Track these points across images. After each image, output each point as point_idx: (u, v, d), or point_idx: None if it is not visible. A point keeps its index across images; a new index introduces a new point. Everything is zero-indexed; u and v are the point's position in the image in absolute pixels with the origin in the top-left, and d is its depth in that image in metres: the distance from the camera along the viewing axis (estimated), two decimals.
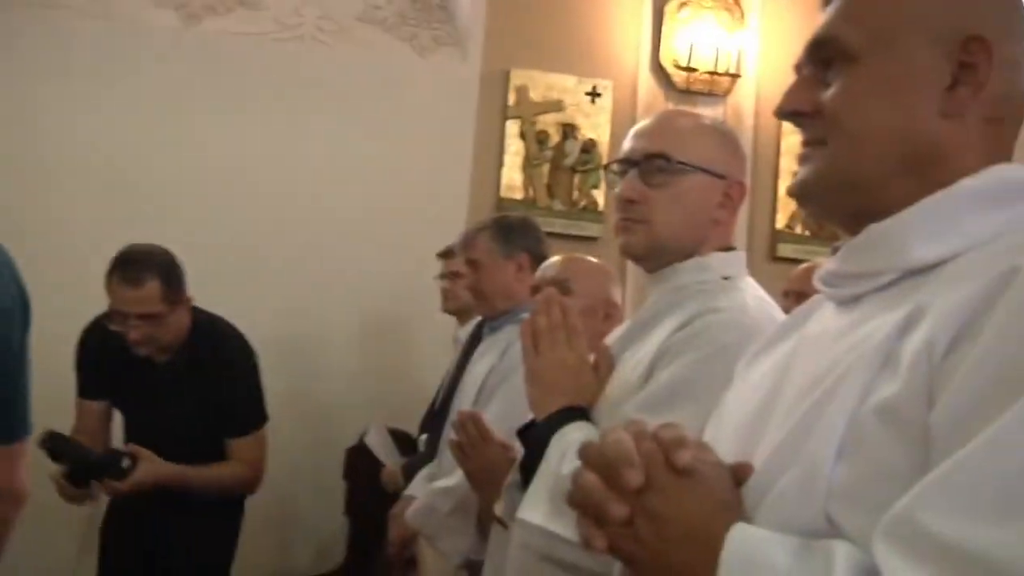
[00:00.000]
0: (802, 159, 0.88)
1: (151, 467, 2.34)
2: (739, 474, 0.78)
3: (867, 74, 0.82)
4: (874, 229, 0.82)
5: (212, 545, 2.59)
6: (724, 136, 1.48)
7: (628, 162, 1.44)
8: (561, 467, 1.28)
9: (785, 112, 0.88)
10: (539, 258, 2.46)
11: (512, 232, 2.51)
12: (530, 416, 1.45)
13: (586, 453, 0.76)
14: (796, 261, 3.67)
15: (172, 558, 2.53)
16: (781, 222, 4.16)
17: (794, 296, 2.78)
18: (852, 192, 0.83)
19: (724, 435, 0.91)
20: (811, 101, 0.86)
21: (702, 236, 1.44)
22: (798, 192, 0.87)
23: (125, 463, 2.32)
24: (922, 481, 0.64)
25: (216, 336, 2.46)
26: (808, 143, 0.87)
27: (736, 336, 1.27)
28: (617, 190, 1.45)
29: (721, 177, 1.43)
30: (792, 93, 0.88)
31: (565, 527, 1.23)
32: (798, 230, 4.16)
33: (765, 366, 0.93)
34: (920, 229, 0.79)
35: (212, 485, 2.45)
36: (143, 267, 2.31)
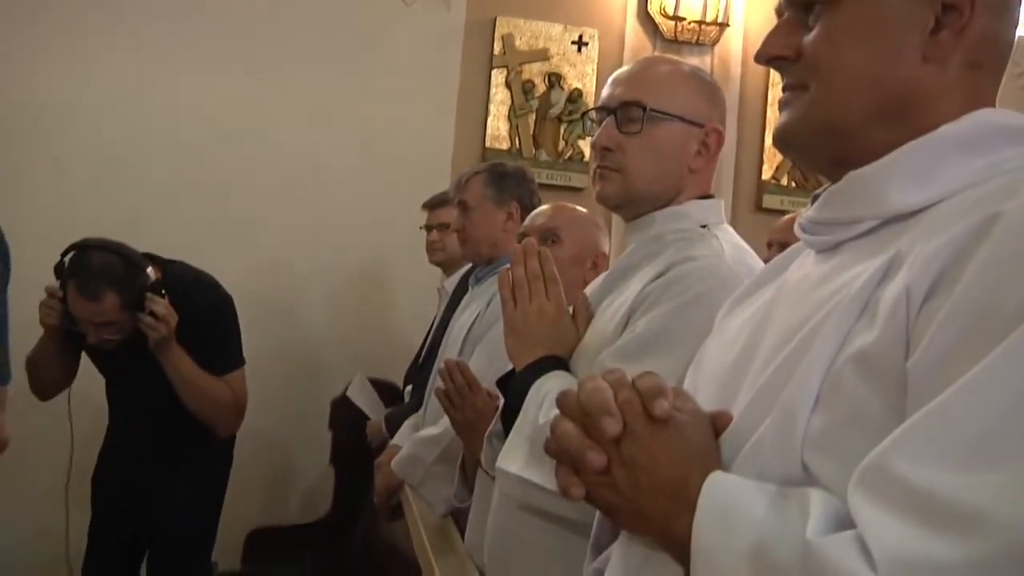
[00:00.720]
0: (783, 104, 0.86)
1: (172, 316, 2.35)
2: (717, 423, 0.78)
3: (848, 17, 0.81)
4: (854, 176, 0.81)
5: (202, 493, 2.61)
6: (702, 83, 1.47)
7: (605, 110, 1.44)
8: (539, 416, 1.29)
9: (766, 57, 0.87)
10: (529, 209, 2.46)
11: (506, 179, 2.50)
12: (511, 366, 1.45)
13: (564, 402, 0.76)
14: (781, 212, 3.68)
15: (162, 507, 2.55)
16: (767, 173, 4.15)
17: (777, 246, 2.77)
18: (832, 138, 0.82)
19: (703, 384, 0.91)
20: (792, 46, 0.84)
21: (678, 185, 1.44)
22: (779, 137, 0.86)
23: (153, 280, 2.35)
24: (897, 430, 0.64)
25: (186, 292, 2.44)
26: (789, 88, 0.86)
27: (712, 284, 1.28)
28: (593, 138, 1.45)
29: (698, 125, 1.42)
30: (773, 37, 0.86)
31: (543, 476, 1.25)
32: (784, 181, 4.16)
33: (745, 314, 0.93)
34: (900, 175, 0.78)
35: (202, 386, 2.46)
36: (100, 281, 2.27)
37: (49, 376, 2.50)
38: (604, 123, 1.44)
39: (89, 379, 2.62)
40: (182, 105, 3.63)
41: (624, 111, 1.41)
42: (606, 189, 1.44)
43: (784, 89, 0.87)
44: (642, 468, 0.72)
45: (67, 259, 2.34)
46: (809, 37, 0.83)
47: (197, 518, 2.60)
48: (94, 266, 2.29)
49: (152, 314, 2.33)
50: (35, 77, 3.49)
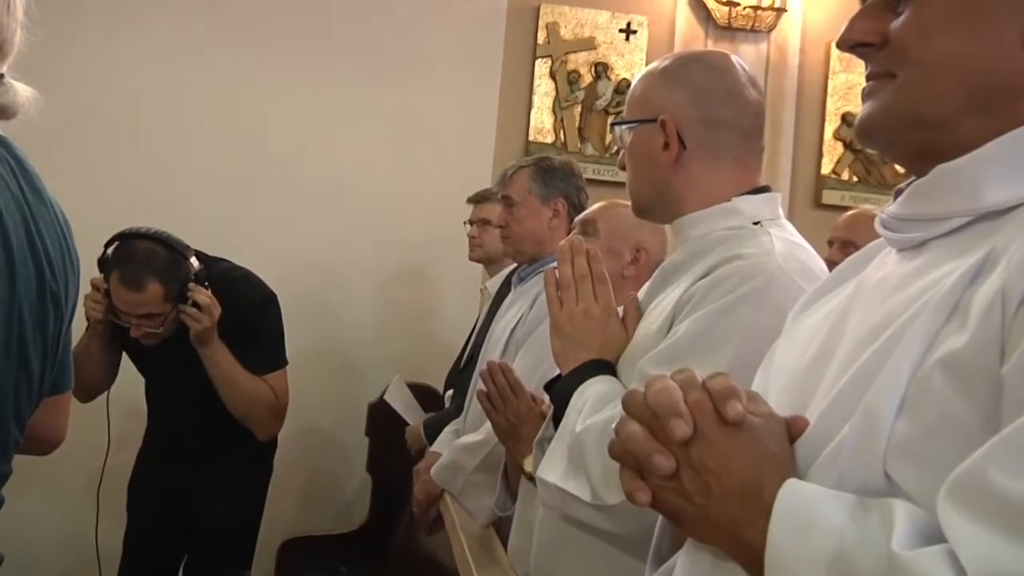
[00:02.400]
0: (867, 94, 0.84)
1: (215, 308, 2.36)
2: (793, 428, 0.76)
3: (941, 1, 0.78)
4: (944, 169, 0.78)
5: (241, 500, 2.63)
6: (665, 72, 1.44)
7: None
8: (576, 424, 1.28)
9: (849, 43, 0.85)
10: (577, 207, 2.45)
11: (552, 175, 2.50)
12: (557, 370, 1.44)
13: (630, 402, 0.76)
14: (842, 208, 3.60)
15: (202, 515, 2.57)
16: (827, 167, 4.09)
17: (839, 244, 2.73)
18: (920, 129, 0.80)
19: (775, 387, 0.89)
20: (878, 31, 0.82)
21: (664, 187, 1.43)
22: (861, 129, 0.84)
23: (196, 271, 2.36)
24: (992, 439, 0.61)
25: (232, 287, 2.47)
26: (874, 77, 0.84)
27: (760, 282, 1.25)
28: None
29: (651, 120, 1.41)
30: (857, 22, 0.84)
31: (580, 487, 1.24)
32: (845, 175, 4.08)
33: (820, 314, 0.91)
34: (995, 169, 0.75)
35: (243, 383, 2.47)
36: (144, 268, 2.30)
37: (92, 376, 2.51)
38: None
39: (126, 380, 2.64)
40: (217, 99, 3.67)
41: (619, 130, 1.49)
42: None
43: (868, 78, 0.84)
44: (713, 473, 0.71)
45: (110, 250, 2.36)
46: (897, 22, 0.80)
47: (237, 526, 2.63)
48: (137, 255, 2.32)
49: (195, 304, 2.34)
50: (68, 70, 3.54)
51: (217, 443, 2.56)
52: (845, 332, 0.82)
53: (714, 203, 1.41)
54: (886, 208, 0.85)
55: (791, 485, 0.69)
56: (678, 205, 1.43)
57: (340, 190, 3.75)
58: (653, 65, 1.48)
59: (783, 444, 0.74)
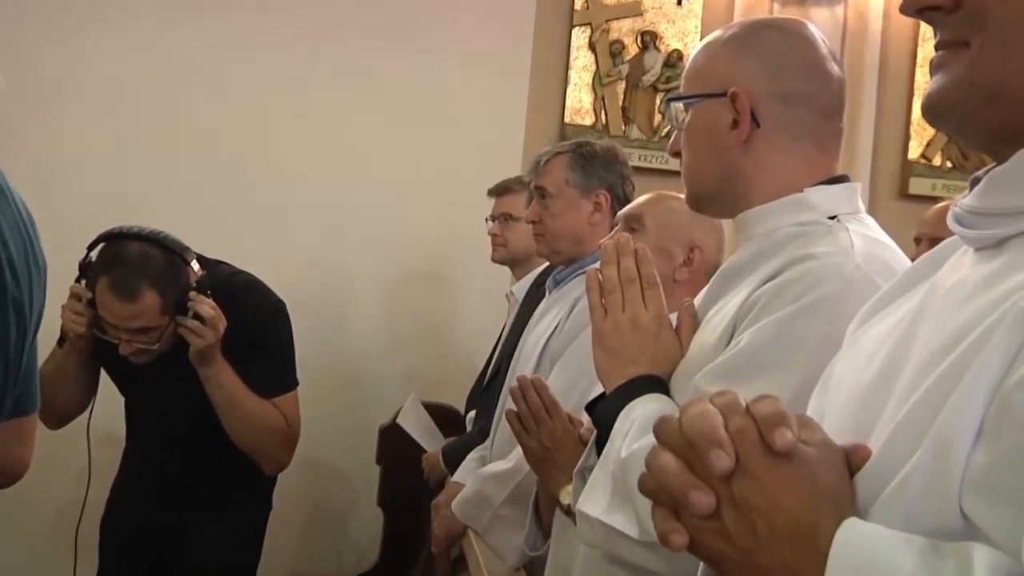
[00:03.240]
0: (935, 66, 0.84)
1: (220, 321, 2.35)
2: (853, 458, 0.76)
3: None
4: None
5: (237, 547, 2.59)
6: (733, 39, 1.44)
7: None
8: (621, 449, 1.29)
9: (916, 6, 0.83)
10: (621, 199, 2.45)
11: (593, 162, 2.51)
12: (600, 387, 1.45)
13: (663, 429, 0.76)
14: (933, 200, 3.59)
15: (190, 561, 2.52)
16: (915, 151, 4.07)
17: (928, 242, 2.72)
18: (999, 107, 0.79)
19: (833, 410, 0.89)
20: None
21: (727, 172, 1.43)
22: (929, 107, 0.84)
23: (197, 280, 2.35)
24: None
25: (236, 297, 2.43)
26: (944, 45, 0.83)
27: (835, 287, 1.25)
28: None
29: (719, 94, 1.41)
30: None
31: (626, 521, 1.24)
32: (936, 160, 4.06)
33: (884, 325, 0.91)
34: None
35: (252, 409, 2.44)
36: (138, 274, 2.25)
37: (64, 398, 2.47)
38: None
39: (111, 400, 2.61)
40: (208, 77, 3.70)
41: (671, 106, 1.50)
42: (686, 194, 1.53)
43: (937, 47, 0.84)
44: (759, 511, 0.71)
45: (95, 253, 2.31)
46: None
47: (231, 574, 2.59)
48: (130, 258, 2.25)
49: (197, 316, 2.30)
50: (34, 46, 3.57)
51: (211, 477, 2.52)
52: (914, 346, 0.82)
53: (784, 194, 1.41)
54: (960, 199, 0.85)
55: (851, 526, 0.69)
56: (745, 195, 1.44)
57: (346, 181, 3.78)
58: (717, 33, 1.48)
59: (841, 477, 0.74)
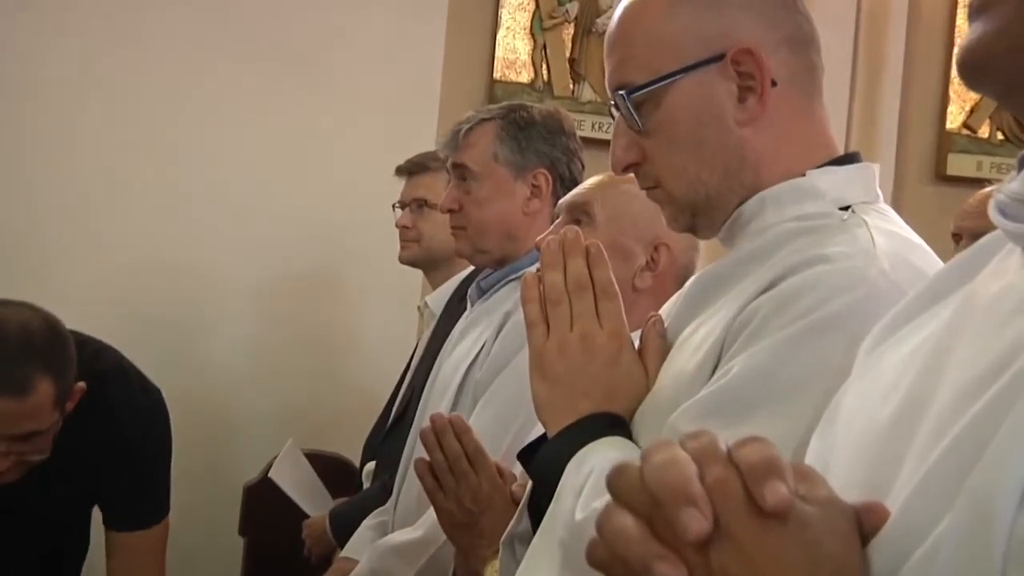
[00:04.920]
0: (976, 9, 0.86)
1: None
2: (866, 519, 0.77)
3: None
4: None
5: None
6: None
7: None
8: (575, 509, 1.30)
9: None
10: (567, 181, 2.46)
11: (531, 132, 2.51)
12: (539, 428, 1.47)
13: (619, 482, 0.76)
14: (977, 183, 3.63)
15: None
16: (955, 119, 4.11)
17: (969, 239, 2.76)
18: None
19: (840, 458, 0.91)
20: None
21: (736, 162, 1.44)
22: (968, 62, 0.85)
23: None
24: None
25: (104, 397, 2.40)
26: None
27: (854, 298, 1.27)
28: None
29: (714, 59, 1.42)
30: None
31: None
32: (983, 131, 4.10)
33: (905, 348, 0.92)
34: None
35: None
36: (25, 357, 2.17)
37: None
38: (617, 122, 1.50)
39: None
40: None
41: (621, 103, 1.46)
42: (665, 215, 1.52)
43: None
44: None
45: None
46: None
47: None
48: (8, 334, 2.17)
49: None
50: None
51: None
52: (943, 375, 0.83)
53: (786, 178, 1.44)
54: (1004, 185, 0.86)
55: None
56: (753, 185, 1.45)
57: (201, 156, 3.76)
58: None
59: (850, 545, 0.75)
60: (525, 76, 3.97)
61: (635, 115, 1.45)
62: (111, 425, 2.38)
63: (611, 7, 3.97)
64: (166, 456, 2.56)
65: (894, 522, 0.76)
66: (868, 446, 0.87)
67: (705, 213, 1.48)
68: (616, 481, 0.76)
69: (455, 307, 2.84)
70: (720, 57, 1.42)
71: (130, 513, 2.46)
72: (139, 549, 2.52)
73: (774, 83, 1.42)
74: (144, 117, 3.74)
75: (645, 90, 1.44)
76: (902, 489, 0.78)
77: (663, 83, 1.43)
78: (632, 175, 1.52)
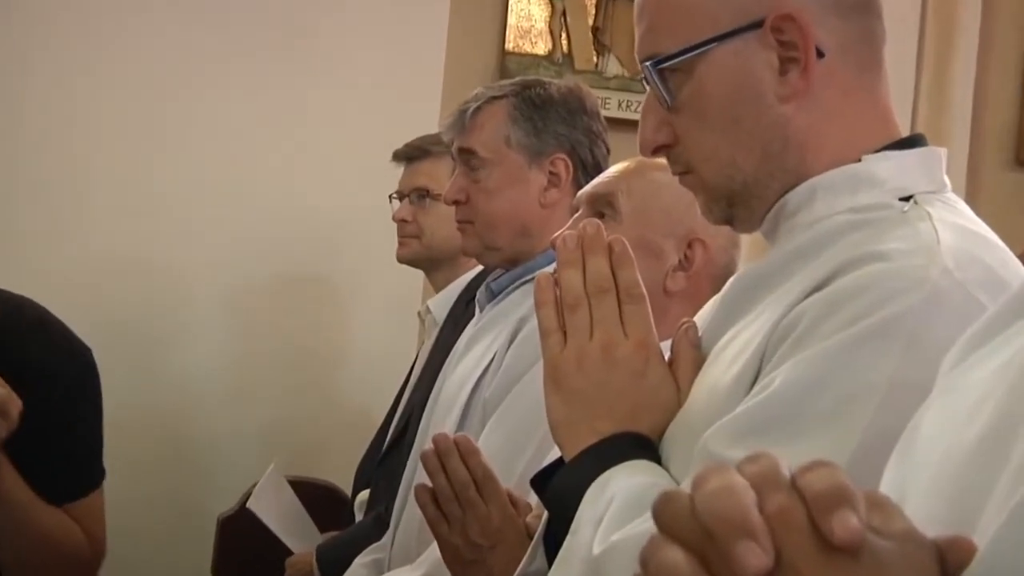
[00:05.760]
0: None
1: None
2: (950, 555, 0.76)
3: None
4: None
5: None
6: None
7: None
8: (593, 542, 1.30)
9: None
10: (589, 168, 2.46)
11: (548, 112, 2.51)
12: (555, 451, 1.48)
13: (667, 511, 0.76)
14: None
15: None
16: None
17: None
18: None
19: (919, 486, 0.91)
20: None
21: (772, 142, 1.44)
22: None
23: None
24: None
25: (24, 354, 2.42)
26: None
27: (918, 301, 1.27)
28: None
29: (753, 26, 1.42)
30: None
31: None
32: None
33: (992, 364, 0.92)
34: None
35: (46, 532, 2.43)
36: None
37: None
38: (646, 98, 1.50)
39: None
40: None
41: (650, 76, 1.46)
42: (700, 204, 1.52)
43: None
44: None
45: None
46: None
47: None
48: None
49: None
50: None
51: None
52: None
53: (838, 163, 1.44)
54: None
55: None
56: (797, 172, 1.45)
57: (175, 140, 3.77)
58: None
59: None
60: (542, 47, 3.97)
61: (664, 89, 1.45)
62: (30, 381, 2.35)
63: None
64: (91, 419, 2.55)
65: (982, 559, 0.76)
66: (951, 473, 0.88)
67: (743, 203, 1.48)
68: (664, 510, 0.76)
69: (461, 313, 2.85)
70: (759, 24, 1.42)
71: (59, 484, 2.44)
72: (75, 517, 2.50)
73: (820, 53, 1.41)
74: (108, 90, 3.76)
75: (675, 60, 1.44)
76: (991, 522, 0.78)
77: (695, 53, 1.43)
78: (663, 160, 1.52)
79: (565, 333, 1.46)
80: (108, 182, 3.75)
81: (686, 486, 0.76)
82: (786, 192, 1.45)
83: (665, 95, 1.46)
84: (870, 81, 1.47)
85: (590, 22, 4.00)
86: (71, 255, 3.56)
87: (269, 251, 3.86)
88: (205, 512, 3.62)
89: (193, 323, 3.83)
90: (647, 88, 1.50)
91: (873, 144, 1.45)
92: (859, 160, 1.44)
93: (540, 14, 3.98)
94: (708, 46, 1.44)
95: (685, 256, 2.02)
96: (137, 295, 3.77)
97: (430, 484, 1.80)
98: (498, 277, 2.56)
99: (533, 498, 1.69)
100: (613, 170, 2.13)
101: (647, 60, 1.46)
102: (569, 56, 3.98)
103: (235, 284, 3.86)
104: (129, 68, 3.77)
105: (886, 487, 0.95)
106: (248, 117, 3.81)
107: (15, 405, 2.28)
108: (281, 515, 3.30)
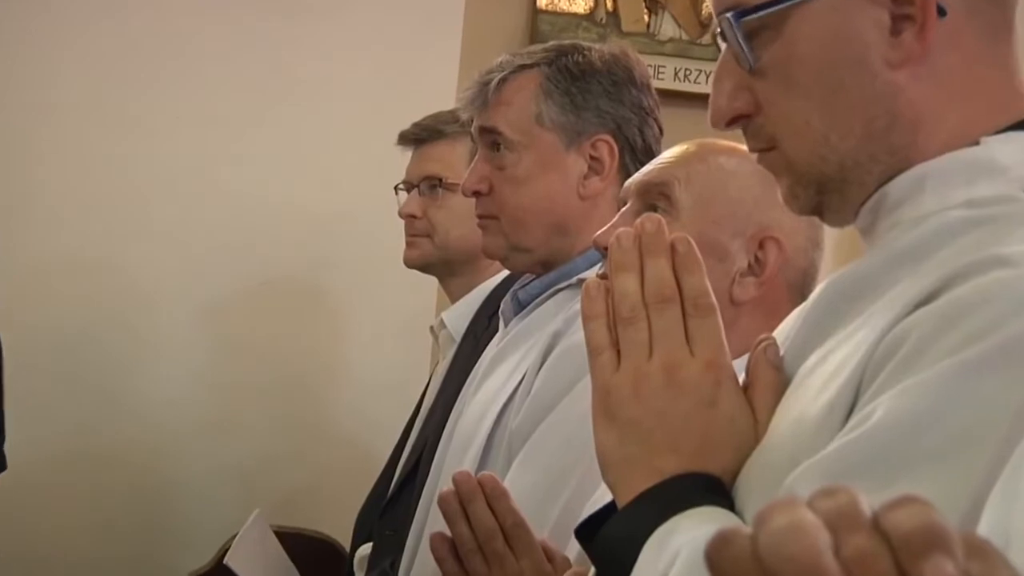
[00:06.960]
0: None
1: None
2: None
3: None
4: None
5: None
6: None
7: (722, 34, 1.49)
8: None
9: None
10: (639, 152, 2.47)
11: (589, 84, 2.52)
12: (605, 494, 1.47)
13: (724, 554, 0.76)
14: None
15: None
16: None
17: None
18: None
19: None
20: None
21: (878, 118, 1.44)
22: None
23: None
24: None
25: None
26: None
27: None
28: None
29: None
30: None
31: None
32: None
33: None
34: None
35: None
36: None
37: None
38: (722, 59, 1.49)
39: None
40: None
41: (729, 31, 1.45)
42: (780, 187, 1.52)
43: None
44: None
45: None
46: None
47: None
48: None
49: None
50: None
51: None
52: None
53: (956, 146, 1.42)
54: None
55: None
56: (906, 156, 1.44)
57: (151, 125, 3.81)
58: None
59: None
60: (581, 4, 3.98)
61: (746, 48, 1.44)
62: None
63: None
64: None
65: None
66: None
67: (837, 189, 1.48)
68: (719, 553, 0.76)
69: (482, 328, 2.86)
70: None
71: None
72: None
73: (942, 11, 1.39)
74: (64, 74, 3.79)
75: (761, 12, 1.42)
76: None
77: (785, 4, 1.42)
78: (729, 143, 1.51)
79: (619, 351, 1.45)
80: (60, 174, 3.78)
81: (748, 524, 0.76)
82: (890, 179, 1.44)
83: (748, 55, 1.44)
84: (998, 47, 1.45)
85: None
86: (12, 257, 3.60)
87: (251, 255, 3.89)
88: (174, 568, 3.63)
89: (160, 341, 3.87)
90: (722, 47, 1.49)
91: (997, 123, 1.43)
92: (978, 143, 1.42)
93: None
94: None
95: (756, 258, 2.01)
96: (93, 307, 3.81)
97: (448, 533, 1.81)
98: (527, 284, 2.56)
99: (572, 550, 1.69)
100: (668, 154, 2.12)
101: (727, 11, 1.44)
102: (615, 15, 3.98)
103: (211, 294, 3.89)
104: (89, 47, 3.80)
105: (987, 529, 0.96)
106: (225, 93, 3.84)
107: None
108: (265, 572, 3.30)
